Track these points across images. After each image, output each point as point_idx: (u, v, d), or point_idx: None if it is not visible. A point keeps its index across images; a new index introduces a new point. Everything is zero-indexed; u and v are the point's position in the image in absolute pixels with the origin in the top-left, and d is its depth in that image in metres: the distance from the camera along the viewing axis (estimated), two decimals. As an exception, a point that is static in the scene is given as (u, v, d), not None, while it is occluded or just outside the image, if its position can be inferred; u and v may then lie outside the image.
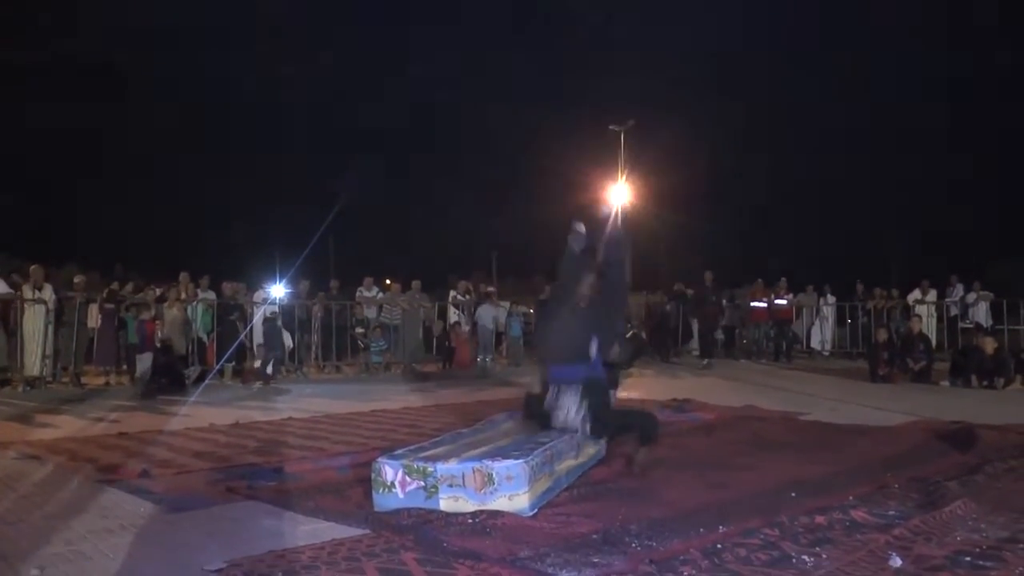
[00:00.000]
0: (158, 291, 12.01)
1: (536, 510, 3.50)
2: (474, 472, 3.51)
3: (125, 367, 11.23)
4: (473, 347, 13.77)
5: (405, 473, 3.59)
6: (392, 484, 3.60)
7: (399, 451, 4.00)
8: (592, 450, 4.53)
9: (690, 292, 15.66)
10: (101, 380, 11.14)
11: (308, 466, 4.73)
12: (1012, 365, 9.74)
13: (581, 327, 4.57)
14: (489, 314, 14.03)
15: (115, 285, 12.27)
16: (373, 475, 3.66)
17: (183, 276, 12.20)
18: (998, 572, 2.65)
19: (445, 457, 3.73)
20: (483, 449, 3.93)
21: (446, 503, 3.52)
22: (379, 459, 3.73)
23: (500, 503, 3.47)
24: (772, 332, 15.33)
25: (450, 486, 3.52)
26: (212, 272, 12.79)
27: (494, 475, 3.49)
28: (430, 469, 3.56)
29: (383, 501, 3.60)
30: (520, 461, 3.54)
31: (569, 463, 4.13)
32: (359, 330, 13.52)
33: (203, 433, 6.24)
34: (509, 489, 3.47)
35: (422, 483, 3.55)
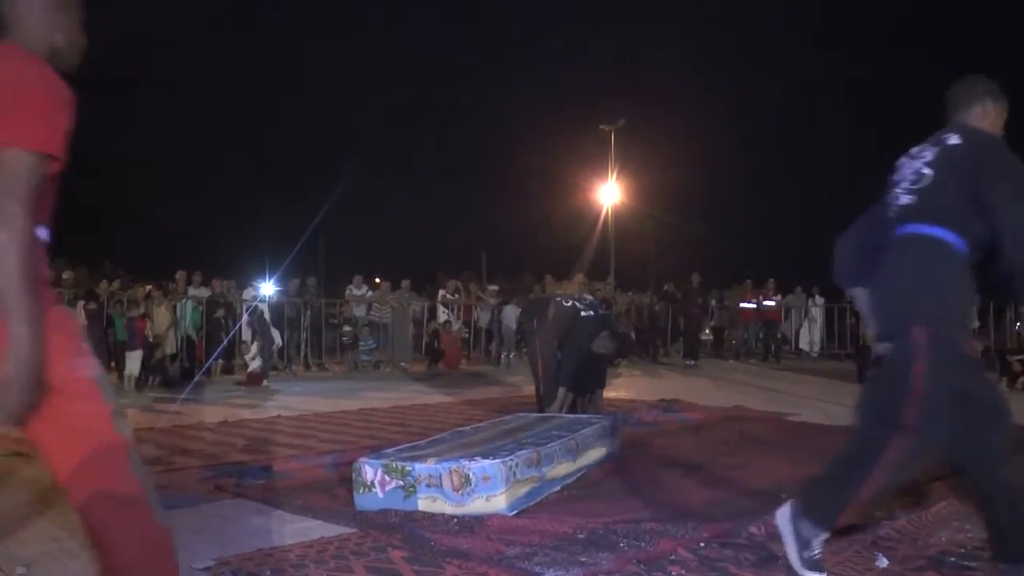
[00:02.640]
0: (147, 288, 11.96)
1: (516, 511, 3.47)
2: (451, 472, 3.47)
3: (113, 365, 11.17)
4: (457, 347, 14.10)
5: (384, 472, 3.56)
6: (372, 484, 3.57)
7: (388, 450, 3.98)
8: (594, 453, 4.47)
9: (679, 293, 15.72)
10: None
11: (297, 464, 4.71)
12: (997, 366, 9.82)
13: None
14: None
15: (104, 283, 12.21)
16: (354, 475, 3.63)
17: (180, 275, 12.15)
18: (982, 572, 2.67)
19: (425, 456, 3.68)
20: (472, 449, 3.87)
21: (424, 503, 3.49)
22: (360, 459, 3.71)
23: (478, 504, 3.43)
24: (761, 333, 15.39)
25: (428, 486, 3.49)
26: (203, 269, 12.75)
27: (471, 476, 3.44)
28: (408, 468, 3.52)
29: (363, 502, 3.57)
30: (497, 461, 3.48)
31: (565, 467, 4.07)
32: (347, 328, 13.50)
33: (192, 431, 6.22)
34: (486, 490, 3.43)
35: (401, 483, 3.52)
